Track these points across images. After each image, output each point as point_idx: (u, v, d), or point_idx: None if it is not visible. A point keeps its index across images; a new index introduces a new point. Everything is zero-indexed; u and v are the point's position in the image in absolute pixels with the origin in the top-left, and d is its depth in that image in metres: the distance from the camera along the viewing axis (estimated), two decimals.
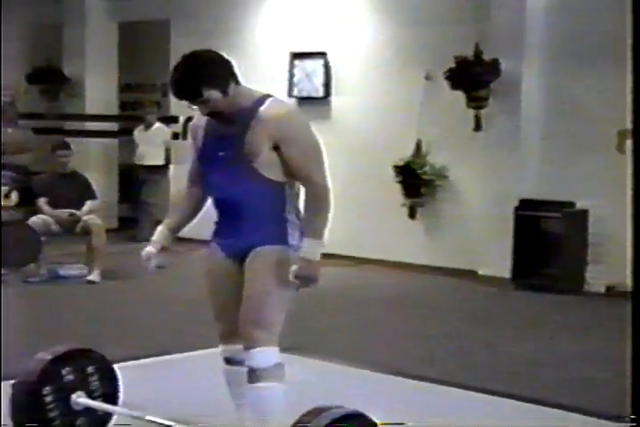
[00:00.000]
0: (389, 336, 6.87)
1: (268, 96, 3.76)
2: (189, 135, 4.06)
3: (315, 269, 3.71)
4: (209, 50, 3.86)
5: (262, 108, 3.68)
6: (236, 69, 3.76)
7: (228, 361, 4.01)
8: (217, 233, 3.95)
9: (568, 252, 8.78)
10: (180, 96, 3.71)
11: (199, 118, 3.89)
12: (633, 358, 2.77)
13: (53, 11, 12.63)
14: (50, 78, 12.59)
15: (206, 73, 3.65)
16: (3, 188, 9.09)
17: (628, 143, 8.25)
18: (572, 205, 8.86)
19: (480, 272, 9.26)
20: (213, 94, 3.64)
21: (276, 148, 3.68)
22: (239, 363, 3.94)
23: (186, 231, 4.15)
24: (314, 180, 3.71)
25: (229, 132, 3.72)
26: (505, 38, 9.08)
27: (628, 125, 8.13)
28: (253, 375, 3.76)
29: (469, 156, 9.42)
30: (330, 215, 3.76)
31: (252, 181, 3.70)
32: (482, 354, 6.38)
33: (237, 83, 3.73)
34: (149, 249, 4.01)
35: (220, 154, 3.74)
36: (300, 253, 3.68)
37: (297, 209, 3.82)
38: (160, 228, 4.05)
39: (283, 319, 3.82)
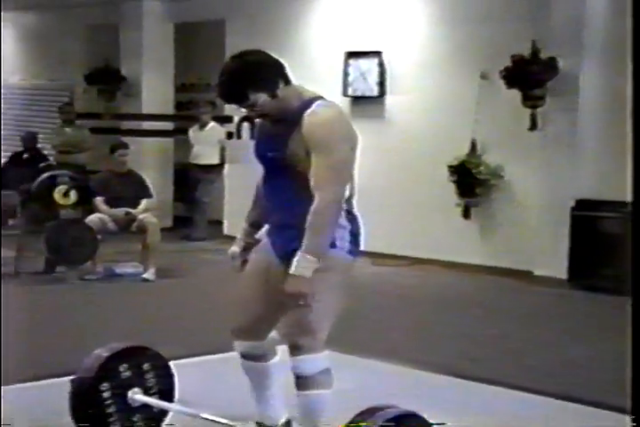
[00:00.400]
0: (444, 337, 6.85)
1: (317, 98, 3.68)
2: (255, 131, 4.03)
3: (304, 285, 3.55)
4: (257, 51, 3.78)
5: (306, 114, 3.59)
6: (287, 69, 3.68)
7: (244, 356, 3.99)
8: (269, 231, 3.92)
9: (625, 252, 8.64)
10: (226, 99, 3.72)
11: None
12: (633, 357, 2.64)
13: (111, 12, 12.75)
14: (107, 78, 12.70)
15: (253, 76, 3.58)
16: (61, 187, 9.18)
17: None
18: (628, 205, 8.73)
19: (536, 273, 9.19)
20: (261, 97, 3.58)
21: (309, 153, 3.60)
22: (256, 358, 3.96)
23: None
24: (322, 192, 3.56)
25: (277, 133, 3.67)
26: (563, 36, 9.00)
27: None
28: (300, 382, 3.73)
29: (525, 155, 9.36)
30: (331, 229, 3.62)
31: (296, 182, 3.64)
32: (537, 356, 6.33)
33: (287, 83, 3.66)
34: (234, 249, 4.04)
35: (269, 154, 3.71)
36: (291, 268, 3.56)
37: (347, 212, 3.73)
38: (244, 225, 4.06)
39: (330, 325, 3.75)
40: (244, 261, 4.02)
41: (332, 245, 3.66)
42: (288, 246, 3.69)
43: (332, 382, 3.77)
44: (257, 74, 3.60)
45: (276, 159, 3.66)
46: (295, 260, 3.56)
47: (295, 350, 3.69)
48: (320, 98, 3.69)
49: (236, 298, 3.99)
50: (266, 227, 3.99)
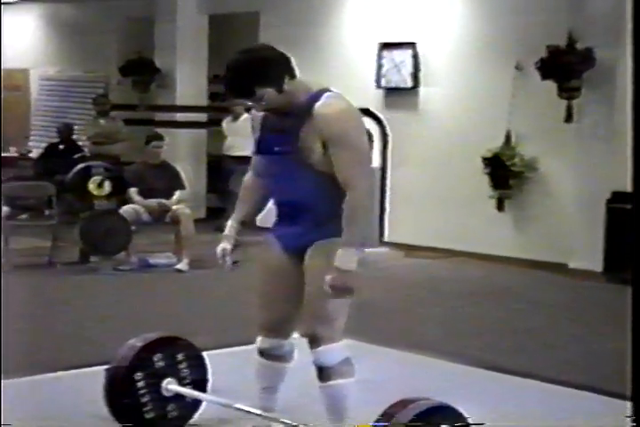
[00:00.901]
0: (478, 329, 6.83)
1: (325, 90, 3.65)
2: (250, 126, 4.00)
3: (349, 279, 3.55)
4: (263, 45, 3.80)
5: (317, 105, 3.57)
6: (293, 64, 3.66)
7: (262, 354, 3.96)
8: (275, 226, 3.89)
9: None
10: (234, 94, 3.70)
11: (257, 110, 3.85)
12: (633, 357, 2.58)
13: (146, 5, 12.79)
14: (142, 70, 12.70)
15: (259, 71, 3.56)
16: (95, 177, 9.22)
17: None
18: None
19: (571, 265, 9.14)
20: (267, 92, 3.57)
21: (325, 146, 3.58)
22: (274, 358, 3.94)
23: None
24: (353, 184, 3.54)
25: (285, 127, 3.64)
26: (600, 27, 8.92)
27: None
28: (323, 373, 3.72)
29: (560, 147, 9.30)
30: (368, 221, 3.63)
31: (309, 175, 3.62)
32: (572, 349, 6.30)
33: (293, 77, 3.64)
34: (224, 246, 3.98)
35: (277, 148, 3.67)
36: (335, 262, 3.54)
37: None
38: (230, 222, 4.03)
39: (346, 314, 3.73)
40: (235, 262, 4.02)
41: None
42: (301, 239, 3.70)
43: (353, 371, 3.76)
44: (263, 69, 3.58)
45: (286, 152, 3.64)
46: (338, 255, 3.54)
47: (314, 341, 3.69)
48: (327, 90, 3.67)
49: (258, 296, 3.97)
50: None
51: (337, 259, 3.54)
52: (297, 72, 3.69)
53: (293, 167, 3.65)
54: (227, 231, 4.02)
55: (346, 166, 3.56)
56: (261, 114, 3.81)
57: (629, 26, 8.81)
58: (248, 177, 4.03)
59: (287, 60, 3.66)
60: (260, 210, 4.11)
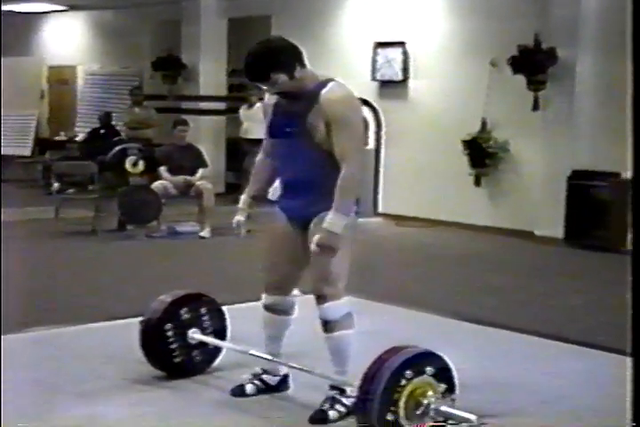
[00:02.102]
0: (459, 287, 6.80)
1: (331, 80, 3.63)
2: (262, 112, 3.96)
3: (334, 240, 3.51)
4: (278, 37, 3.79)
5: (323, 91, 3.55)
6: (303, 55, 3.63)
7: (267, 308, 3.92)
8: (281, 199, 3.84)
9: (614, 216, 8.60)
10: (251, 78, 3.64)
11: (269, 98, 3.80)
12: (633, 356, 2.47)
13: (174, 10, 12.73)
14: (170, 66, 12.70)
15: (273, 58, 3.55)
16: (131, 157, 9.20)
17: None
18: (618, 175, 8.66)
19: (536, 233, 9.11)
20: (280, 77, 3.54)
21: (328, 126, 3.55)
22: (278, 312, 3.90)
23: None
24: (347, 158, 3.52)
25: (295, 111, 3.61)
26: (562, 30, 8.88)
27: None
28: (328, 326, 3.70)
29: (528, 132, 9.25)
30: (356, 192, 3.59)
31: (313, 153, 3.59)
32: (539, 303, 6.27)
33: (303, 66, 3.61)
34: (239, 218, 3.96)
35: (287, 129, 3.64)
36: (324, 224, 3.51)
37: None
38: (243, 197, 3.99)
39: (347, 276, 3.70)
40: (248, 230, 3.98)
41: None
42: (307, 210, 3.66)
43: (353, 323, 3.74)
44: (277, 57, 3.56)
45: (295, 133, 3.61)
46: (328, 218, 3.51)
47: (321, 299, 3.67)
48: (332, 79, 3.65)
49: (264, 259, 3.93)
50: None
51: (326, 222, 3.52)
52: (307, 62, 3.65)
53: (301, 146, 3.61)
54: (240, 205, 4.00)
55: (343, 143, 3.54)
56: (273, 102, 3.77)
57: (587, 29, 8.82)
58: (259, 158, 3.99)
59: (298, 51, 3.64)
60: (269, 186, 4.04)
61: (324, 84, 3.60)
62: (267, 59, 3.56)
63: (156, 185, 9.06)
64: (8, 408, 3.64)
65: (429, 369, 3.33)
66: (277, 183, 3.93)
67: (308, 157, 3.62)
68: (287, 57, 3.58)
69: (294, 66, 3.57)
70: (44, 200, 10.32)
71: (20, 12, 14.85)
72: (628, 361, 4.65)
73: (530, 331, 5.26)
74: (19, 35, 15.58)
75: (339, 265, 3.64)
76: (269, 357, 3.96)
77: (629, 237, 8.60)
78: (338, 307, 3.68)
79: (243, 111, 11.54)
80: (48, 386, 4.06)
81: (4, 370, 4.11)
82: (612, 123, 8.74)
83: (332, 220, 3.51)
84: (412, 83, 10.34)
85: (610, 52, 8.73)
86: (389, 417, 3.22)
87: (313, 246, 3.54)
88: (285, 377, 4.02)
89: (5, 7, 14.13)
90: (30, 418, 3.62)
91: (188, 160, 9.32)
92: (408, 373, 3.27)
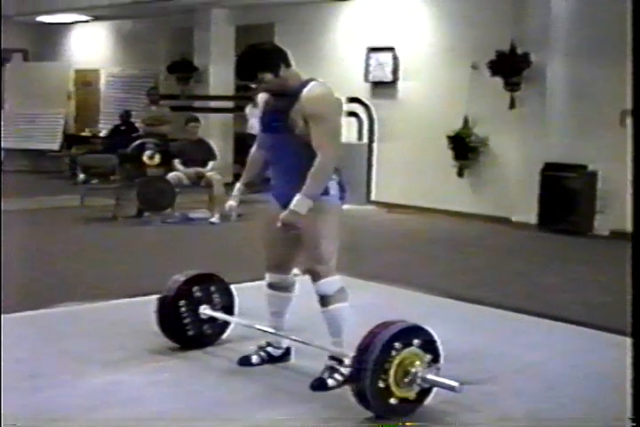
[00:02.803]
0: (444, 267, 6.78)
1: (312, 80, 3.62)
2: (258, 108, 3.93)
3: (296, 219, 3.51)
4: (266, 42, 3.80)
5: (304, 90, 3.54)
6: (288, 56, 3.62)
7: (271, 286, 3.90)
8: (272, 187, 3.81)
9: (581, 204, 8.60)
10: (241, 77, 3.67)
11: (262, 96, 3.78)
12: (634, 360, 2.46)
13: (187, 18, 12.65)
14: (184, 68, 12.63)
15: (260, 59, 3.56)
16: (148, 151, 9.19)
17: (628, 120, 8.10)
18: (585, 167, 8.64)
19: (513, 219, 9.08)
20: (266, 76, 3.55)
21: (306, 121, 3.53)
22: (280, 289, 3.88)
23: None
24: (322, 150, 3.49)
25: (279, 107, 3.60)
26: (534, 37, 8.85)
27: (628, 106, 7.95)
28: (324, 300, 3.68)
29: (506, 128, 9.20)
30: (326, 180, 3.55)
31: (297, 145, 3.57)
32: (516, 282, 6.25)
33: (288, 66, 3.61)
34: (231, 203, 3.97)
35: (273, 124, 3.64)
36: (291, 205, 3.50)
37: (335, 168, 3.62)
38: (238, 185, 3.98)
39: (336, 254, 3.68)
40: (239, 215, 3.98)
41: (327, 193, 3.60)
42: (292, 195, 3.60)
43: (347, 296, 3.72)
44: (263, 58, 3.57)
45: (280, 127, 3.59)
46: (295, 199, 3.51)
47: (315, 276, 3.66)
48: (314, 79, 3.64)
49: (263, 242, 3.91)
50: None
51: (293, 202, 3.51)
52: (292, 62, 3.64)
53: (285, 139, 3.60)
54: (234, 192, 4.00)
55: (319, 136, 3.53)
56: (264, 99, 3.76)
57: (557, 36, 8.78)
58: (253, 149, 3.98)
59: (283, 52, 3.64)
60: (262, 175, 4.00)
61: (305, 83, 3.59)
62: (253, 60, 3.58)
63: (171, 176, 9.03)
64: (45, 377, 3.70)
65: (416, 341, 3.32)
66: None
67: (291, 148, 3.60)
68: (272, 58, 3.58)
69: (279, 66, 3.57)
70: (71, 190, 10.32)
71: (49, 23, 14.88)
72: (596, 334, 4.69)
73: (508, 307, 5.24)
74: (49, 43, 15.60)
75: (330, 244, 3.64)
76: (273, 330, 3.94)
77: (595, 222, 8.65)
78: (332, 282, 3.67)
79: (248, 109, 11.47)
80: (77, 356, 4.06)
81: (39, 342, 4.13)
82: (580, 120, 8.75)
83: (297, 201, 3.51)
84: (401, 84, 10.29)
85: (578, 57, 8.74)
86: (381, 384, 3.22)
87: (278, 223, 3.53)
88: (288, 349, 4.01)
89: (38, 19, 14.22)
90: (63, 384, 3.65)
91: (200, 153, 9.30)
92: (397, 345, 3.26)
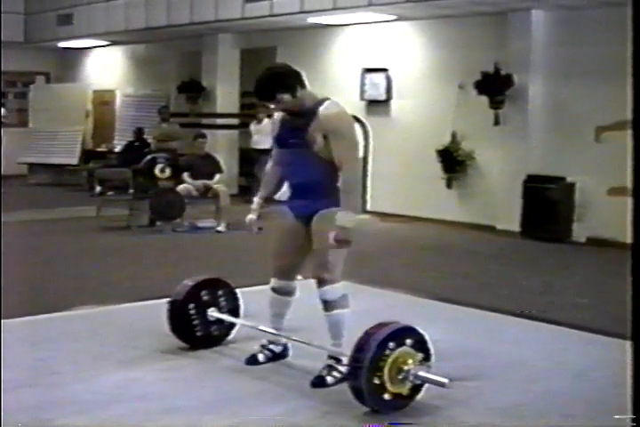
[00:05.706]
0: (434, 272, 6.77)
1: (327, 99, 3.62)
2: (271, 127, 3.92)
3: (348, 234, 3.48)
4: (283, 64, 3.80)
5: (321, 108, 3.53)
6: (304, 78, 3.62)
7: (275, 290, 3.89)
8: (289, 199, 3.79)
9: (560, 213, 8.60)
10: (260, 98, 3.64)
11: (277, 115, 3.78)
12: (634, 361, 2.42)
13: (196, 42, 12.69)
14: (193, 88, 12.65)
15: (278, 81, 3.55)
16: (159, 165, 9.19)
17: (603, 135, 8.17)
18: (563, 179, 8.65)
19: (497, 227, 9.09)
20: (284, 97, 3.54)
21: (326, 137, 3.52)
22: (283, 293, 3.87)
23: None
24: (347, 164, 3.49)
25: (297, 125, 3.58)
26: (517, 59, 8.89)
27: (604, 123, 8.03)
28: (327, 306, 3.67)
29: (491, 143, 9.22)
30: (359, 190, 3.56)
31: (313, 160, 3.55)
32: (501, 285, 6.25)
33: (303, 87, 3.60)
34: (251, 217, 3.93)
35: (291, 141, 3.62)
36: (337, 222, 3.47)
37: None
38: (256, 199, 3.96)
39: (343, 262, 3.67)
40: (260, 228, 3.93)
41: (339, 205, 3.54)
42: (309, 208, 3.62)
43: (349, 303, 3.72)
44: (281, 80, 3.56)
45: (298, 144, 3.58)
46: (339, 216, 3.47)
47: (321, 282, 3.65)
48: (328, 98, 3.64)
49: (274, 249, 3.89)
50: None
51: (339, 219, 3.48)
52: (307, 84, 3.64)
53: (303, 155, 3.59)
54: (253, 206, 3.97)
55: (341, 152, 3.52)
56: (280, 118, 3.75)
57: (537, 59, 8.82)
58: (269, 166, 3.96)
59: (299, 75, 3.64)
60: (278, 189, 4.00)
61: (321, 102, 3.59)
62: (272, 82, 3.56)
63: (181, 188, 9.04)
64: (65, 374, 3.72)
65: (409, 341, 3.32)
66: (285, 187, 3.89)
67: (309, 163, 3.59)
68: (290, 80, 3.58)
69: (296, 87, 3.57)
70: (89, 201, 10.31)
71: (70, 48, 14.99)
72: (574, 333, 4.68)
73: (493, 308, 5.25)
74: (69, 66, 15.68)
75: (336, 254, 3.62)
76: (275, 331, 3.94)
77: (573, 230, 8.65)
78: (335, 289, 3.66)
79: (253, 126, 11.51)
80: (94, 355, 4.06)
81: (60, 341, 4.11)
82: (559, 135, 8.78)
83: (343, 217, 3.48)
84: (394, 102, 10.31)
85: (556, 78, 8.78)
86: (376, 381, 3.22)
87: (330, 241, 3.48)
88: (285, 345, 4.01)
89: (59, 44, 14.30)
90: (81, 381, 3.65)
91: (207, 167, 9.30)
92: (391, 344, 3.26)
